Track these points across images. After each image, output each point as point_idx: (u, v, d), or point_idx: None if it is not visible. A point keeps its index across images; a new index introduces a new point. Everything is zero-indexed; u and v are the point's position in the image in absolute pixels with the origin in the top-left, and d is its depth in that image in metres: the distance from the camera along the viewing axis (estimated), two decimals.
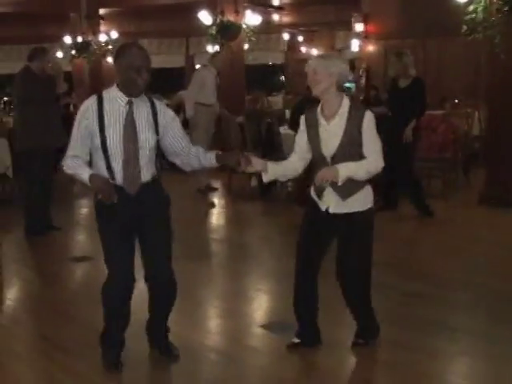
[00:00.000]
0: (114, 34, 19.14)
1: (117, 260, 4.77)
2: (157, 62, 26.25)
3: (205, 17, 13.74)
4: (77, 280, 7.68)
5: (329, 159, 4.81)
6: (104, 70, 20.98)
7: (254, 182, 12.02)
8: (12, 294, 7.11)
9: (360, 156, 4.78)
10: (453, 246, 8.20)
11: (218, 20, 13.56)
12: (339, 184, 4.71)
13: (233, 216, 11.04)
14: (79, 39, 18.25)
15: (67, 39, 18.41)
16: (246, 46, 18.46)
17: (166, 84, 25.78)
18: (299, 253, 5.06)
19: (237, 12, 13.66)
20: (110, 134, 4.63)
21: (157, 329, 5.14)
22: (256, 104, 19.62)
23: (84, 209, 11.27)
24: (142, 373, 5.02)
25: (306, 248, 5.03)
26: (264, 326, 5.72)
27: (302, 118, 5.03)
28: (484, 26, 9.43)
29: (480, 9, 9.39)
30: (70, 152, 4.73)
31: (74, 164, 4.68)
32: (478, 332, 5.51)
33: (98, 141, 4.64)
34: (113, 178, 4.66)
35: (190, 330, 5.70)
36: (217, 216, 10.95)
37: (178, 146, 4.89)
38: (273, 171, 5.00)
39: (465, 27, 9.71)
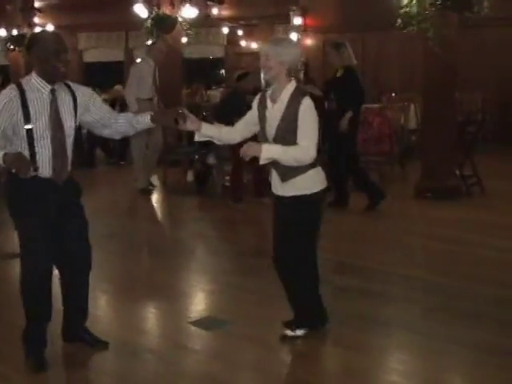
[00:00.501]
0: (50, 27, 18.81)
1: (38, 249, 4.65)
2: (95, 55, 26.11)
3: (140, 9, 13.58)
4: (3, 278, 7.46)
5: (271, 141, 4.83)
6: None
7: (189, 177, 11.94)
8: None
9: (295, 142, 4.77)
10: (388, 239, 8.24)
11: (154, 13, 13.39)
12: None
13: (168, 211, 10.94)
14: (14, 32, 17.92)
15: (2, 32, 18.06)
16: (185, 40, 18.33)
17: (104, 78, 25.50)
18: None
19: (172, 5, 13.53)
20: (37, 125, 4.52)
21: (77, 318, 5.06)
22: (194, 97, 19.59)
23: None
24: (67, 372, 4.90)
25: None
26: (196, 323, 5.63)
27: (256, 99, 5.06)
28: (418, 19, 9.46)
29: (414, 2, 9.43)
30: None
31: None
32: (410, 326, 5.48)
33: (22, 132, 4.52)
34: (37, 169, 4.55)
35: (120, 328, 5.60)
36: (151, 210, 10.83)
37: (104, 117, 4.87)
38: (207, 131, 4.96)
39: (399, 21, 9.73)
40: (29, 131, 4.51)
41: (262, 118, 4.92)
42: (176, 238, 8.76)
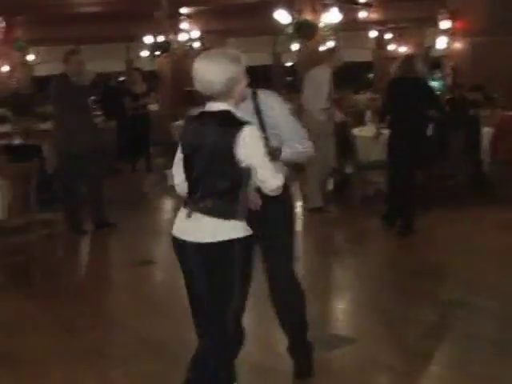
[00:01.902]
0: (196, 33, 19.02)
1: None
2: (245, 60, 26.16)
3: (282, 15, 13.45)
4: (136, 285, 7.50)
5: None
6: (186, 69, 20.93)
7: (330, 186, 11.68)
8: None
9: None
10: None
11: (295, 19, 13.24)
12: None
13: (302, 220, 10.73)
14: (161, 39, 18.20)
15: (149, 39, 18.39)
16: (331, 44, 18.13)
17: (252, 82, 25.69)
18: None
19: (314, 11, 13.33)
20: None
21: None
22: (342, 102, 19.35)
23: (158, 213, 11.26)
24: None
25: None
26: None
27: None
28: None
29: None
30: None
31: None
32: None
33: None
34: None
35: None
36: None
37: None
38: None
39: None
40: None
41: None
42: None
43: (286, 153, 4.34)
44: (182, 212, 3.93)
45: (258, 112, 4.32)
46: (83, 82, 9.07)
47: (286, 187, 4.18)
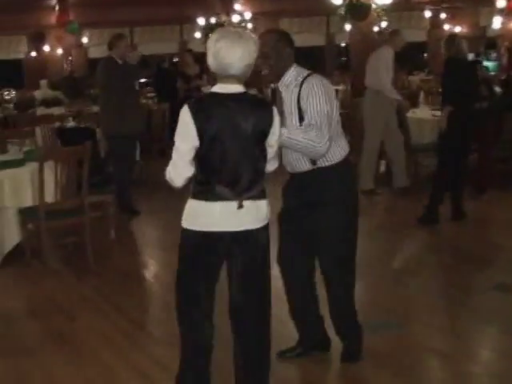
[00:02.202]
0: (248, 14, 18.99)
1: None
2: (298, 40, 26.11)
3: None
4: None
5: None
6: None
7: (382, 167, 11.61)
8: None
9: None
10: None
11: (347, 0, 13.12)
12: None
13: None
14: (212, 20, 18.21)
15: (201, 20, 18.41)
16: (384, 25, 17.96)
17: (306, 63, 25.61)
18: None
19: None
20: None
21: None
22: (396, 84, 19.16)
23: None
24: None
25: None
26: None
27: None
28: None
29: None
30: None
31: None
32: None
33: None
34: None
35: None
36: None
37: None
38: None
39: None
40: None
41: None
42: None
43: (296, 137, 4.27)
44: (216, 206, 3.77)
45: (298, 100, 4.34)
46: (129, 63, 9.10)
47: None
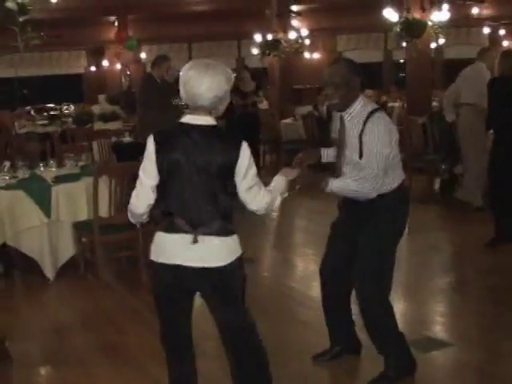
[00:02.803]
0: (305, 31, 19.04)
1: None
2: (355, 57, 26.20)
3: (390, 13, 13.33)
4: None
5: None
6: (295, 67, 21.03)
7: (436, 185, 11.56)
8: None
9: None
10: None
11: (404, 17, 13.10)
12: None
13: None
14: (269, 37, 18.30)
15: (258, 37, 18.51)
16: (442, 42, 17.87)
17: (364, 79, 25.56)
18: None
19: (423, 9, 13.14)
20: None
21: None
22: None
23: None
24: None
25: None
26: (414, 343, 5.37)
27: None
28: None
29: None
30: None
31: None
32: None
33: None
34: None
35: None
36: None
37: None
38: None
39: None
40: None
41: None
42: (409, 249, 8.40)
43: (340, 184, 4.42)
44: (175, 237, 3.76)
45: (360, 136, 4.39)
46: (167, 81, 9.56)
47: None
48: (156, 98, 9.37)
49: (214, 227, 3.72)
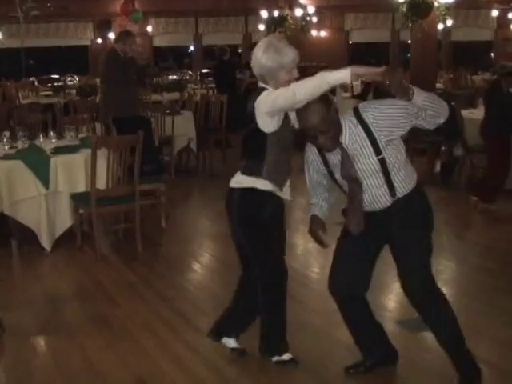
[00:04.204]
0: (311, 9, 18.95)
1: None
2: (361, 36, 26.09)
3: None
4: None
5: None
6: (300, 44, 20.93)
7: (438, 168, 11.52)
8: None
9: None
10: None
11: None
12: None
13: None
14: (275, 13, 18.23)
15: (264, 13, 18.44)
16: (450, 23, 17.79)
17: (370, 59, 25.58)
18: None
19: None
20: None
21: None
22: (458, 83, 18.92)
23: None
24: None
25: None
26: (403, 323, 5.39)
27: None
28: None
29: None
30: None
31: None
32: None
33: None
34: None
35: None
36: None
37: None
38: None
39: None
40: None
41: None
42: None
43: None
44: None
45: (367, 135, 4.17)
46: (129, 56, 9.84)
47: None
48: (119, 73, 9.61)
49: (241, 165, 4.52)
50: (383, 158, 4.15)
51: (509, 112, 8.60)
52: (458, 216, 9.24)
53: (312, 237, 4.50)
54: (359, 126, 4.13)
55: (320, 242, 4.47)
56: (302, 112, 4.14)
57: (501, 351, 5.07)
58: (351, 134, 4.15)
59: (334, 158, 4.25)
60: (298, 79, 4.19)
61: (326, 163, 4.33)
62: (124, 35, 9.98)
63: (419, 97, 4.02)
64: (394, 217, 4.33)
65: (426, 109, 4.07)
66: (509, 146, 8.87)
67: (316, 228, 4.45)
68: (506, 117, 8.62)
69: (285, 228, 4.78)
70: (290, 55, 4.35)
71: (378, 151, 4.14)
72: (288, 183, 4.66)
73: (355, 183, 4.23)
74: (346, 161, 4.19)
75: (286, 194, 4.66)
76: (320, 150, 4.29)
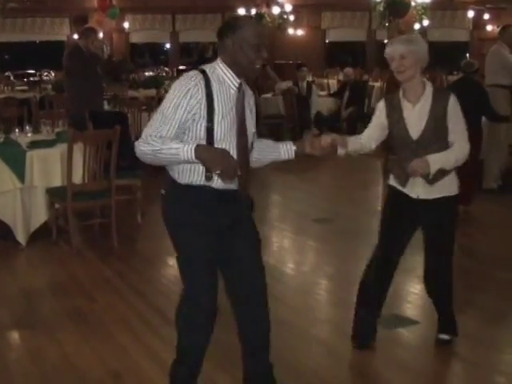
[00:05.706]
0: (289, 7, 18.99)
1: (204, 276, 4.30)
2: (338, 35, 26.17)
3: None
4: None
5: (414, 143, 4.60)
6: (278, 42, 20.98)
7: None
8: None
9: (445, 140, 4.57)
10: None
11: None
12: (430, 178, 4.54)
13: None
14: (253, 11, 18.26)
15: (241, 11, 18.47)
16: (426, 23, 17.88)
17: (346, 58, 25.63)
18: (381, 248, 4.96)
19: None
20: (219, 123, 3.73)
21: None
22: (434, 83, 19.05)
23: None
24: None
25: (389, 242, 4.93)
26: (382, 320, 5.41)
27: (382, 102, 4.81)
28: None
29: None
30: (153, 132, 3.66)
31: (158, 141, 3.59)
32: None
33: (202, 129, 3.70)
34: (210, 178, 3.78)
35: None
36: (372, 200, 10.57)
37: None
38: (353, 147, 4.58)
39: None
40: (210, 131, 3.72)
41: (398, 121, 4.66)
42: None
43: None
44: None
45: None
46: (92, 51, 9.83)
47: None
48: (82, 67, 9.64)
49: None
50: None
51: (478, 106, 8.63)
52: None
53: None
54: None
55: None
56: None
57: (473, 345, 5.13)
58: None
59: None
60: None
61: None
62: (86, 31, 10.05)
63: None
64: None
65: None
66: (478, 145, 8.89)
67: (337, 137, 4.19)
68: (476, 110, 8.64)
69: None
70: None
71: None
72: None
73: None
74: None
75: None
76: None
